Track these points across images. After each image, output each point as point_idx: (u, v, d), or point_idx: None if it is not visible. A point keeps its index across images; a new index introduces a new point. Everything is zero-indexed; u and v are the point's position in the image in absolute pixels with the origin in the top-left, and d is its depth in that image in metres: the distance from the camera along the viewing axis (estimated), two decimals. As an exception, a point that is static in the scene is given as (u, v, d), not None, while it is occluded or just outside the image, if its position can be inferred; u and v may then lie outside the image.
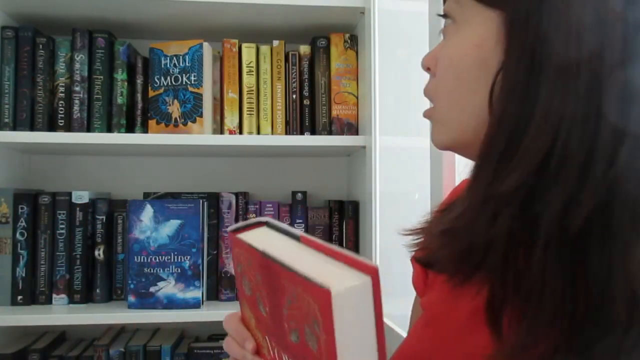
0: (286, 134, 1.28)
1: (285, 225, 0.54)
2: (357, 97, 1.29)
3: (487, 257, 0.41)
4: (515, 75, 0.42)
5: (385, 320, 1.08)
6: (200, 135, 1.19)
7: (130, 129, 1.27)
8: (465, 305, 0.46)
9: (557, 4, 0.40)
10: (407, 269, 0.93)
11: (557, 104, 0.39)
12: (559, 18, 0.40)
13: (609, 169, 0.37)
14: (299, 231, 0.50)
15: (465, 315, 0.46)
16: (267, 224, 0.57)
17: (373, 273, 0.39)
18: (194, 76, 1.21)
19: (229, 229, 0.58)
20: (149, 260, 1.17)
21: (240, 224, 0.58)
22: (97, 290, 1.24)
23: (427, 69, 0.52)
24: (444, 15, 0.49)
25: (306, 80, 1.29)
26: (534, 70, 0.41)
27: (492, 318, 0.41)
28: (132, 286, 1.17)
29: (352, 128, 1.28)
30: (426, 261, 0.52)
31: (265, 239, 0.55)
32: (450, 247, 0.44)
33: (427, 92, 0.52)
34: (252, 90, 1.26)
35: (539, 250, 0.38)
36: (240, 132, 1.26)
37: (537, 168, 0.39)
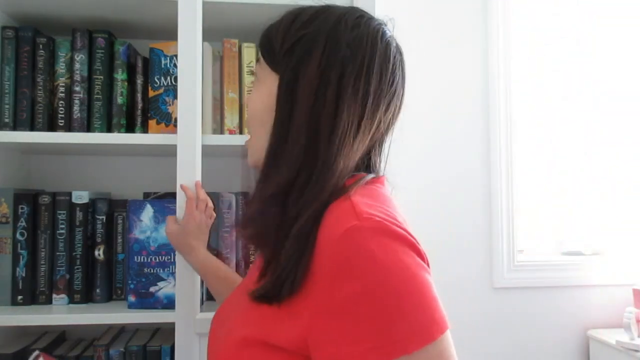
0: (286, 134, 1.28)
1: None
2: (357, 97, 1.29)
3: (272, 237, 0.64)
4: (281, 115, 0.67)
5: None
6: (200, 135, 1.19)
7: (130, 129, 1.27)
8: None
9: (305, 76, 0.66)
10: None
11: (304, 141, 0.65)
12: (304, 82, 0.66)
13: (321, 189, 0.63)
14: None
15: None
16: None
17: None
18: (194, 76, 1.20)
19: None
20: (149, 260, 1.17)
21: None
22: (97, 290, 1.24)
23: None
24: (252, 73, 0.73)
25: (306, 80, 1.29)
26: (291, 114, 0.66)
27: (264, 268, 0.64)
28: (132, 286, 1.17)
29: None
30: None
31: None
32: (252, 231, 0.68)
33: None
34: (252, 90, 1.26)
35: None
36: (241, 132, 1.26)
37: (288, 181, 0.64)
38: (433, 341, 0.53)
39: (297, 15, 0.71)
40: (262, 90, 0.71)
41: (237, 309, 0.70)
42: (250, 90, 0.75)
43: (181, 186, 1.10)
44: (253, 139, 0.73)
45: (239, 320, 0.66)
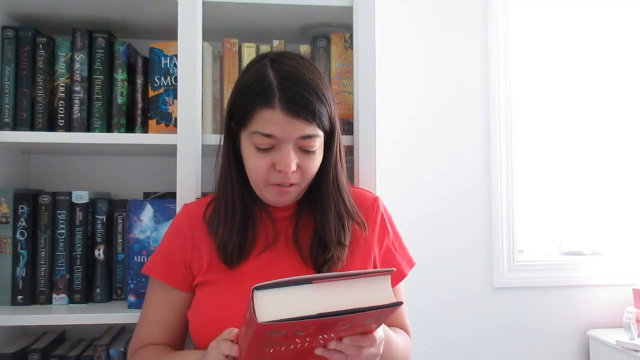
0: (286, 133, 1.28)
1: (277, 280, 0.66)
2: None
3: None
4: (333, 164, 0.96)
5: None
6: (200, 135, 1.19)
7: (130, 129, 1.27)
8: None
9: (337, 138, 0.96)
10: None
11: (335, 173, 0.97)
12: (338, 142, 0.97)
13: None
14: (305, 276, 0.67)
15: None
16: (256, 288, 0.65)
17: (390, 273, 0.71)
18: (194, 76, 1.20)
19: (259, 322, 0.62)
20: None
21: (249, 311, 0.65)
22: (97, 290, 1.24)
23: (293, 172, 0.89)
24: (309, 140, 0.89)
25: (306, 80, 1.29)
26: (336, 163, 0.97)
27: None
28: (132, 286, 1.17)
29: (352, 128, 1.28)
30: None
31: (292, 302, 0.65)
32: None
33: (293, 180, 0.90)
34: (252, 90, 1.26)
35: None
36: (240, 132, 1.25)
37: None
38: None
39: (327, 89, 0.92)
40: (320, 156, 0.93)
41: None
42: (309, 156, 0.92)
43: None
44: (305, 185, 0.94)
45: None
